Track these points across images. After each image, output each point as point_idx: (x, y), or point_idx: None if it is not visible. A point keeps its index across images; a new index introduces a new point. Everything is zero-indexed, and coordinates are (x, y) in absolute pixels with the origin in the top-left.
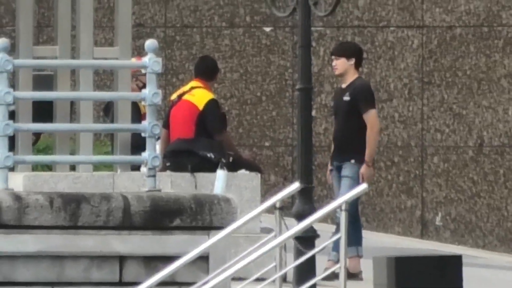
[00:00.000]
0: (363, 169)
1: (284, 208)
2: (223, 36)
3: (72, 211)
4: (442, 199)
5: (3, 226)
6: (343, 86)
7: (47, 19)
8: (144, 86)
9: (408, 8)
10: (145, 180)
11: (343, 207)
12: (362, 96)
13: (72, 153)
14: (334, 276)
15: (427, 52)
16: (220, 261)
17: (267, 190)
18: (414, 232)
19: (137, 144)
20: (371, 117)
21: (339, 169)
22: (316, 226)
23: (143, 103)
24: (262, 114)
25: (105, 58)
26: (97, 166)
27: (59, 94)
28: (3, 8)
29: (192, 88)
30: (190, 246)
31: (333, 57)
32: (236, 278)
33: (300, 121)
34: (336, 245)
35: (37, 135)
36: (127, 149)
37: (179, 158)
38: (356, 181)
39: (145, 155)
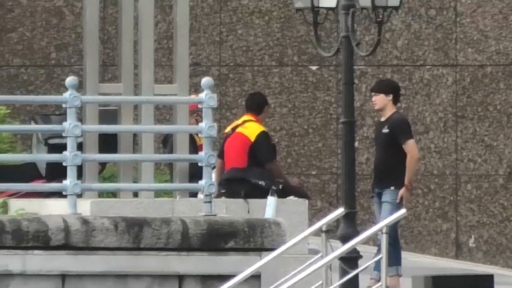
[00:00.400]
0: (403, 191)
1: (329, 231)
2: (272, 74)
3: (135, 234)
4: (475, 223)
5: (72, 247)
6: (382, 119)
7: (111, 58)
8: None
9: (443, 48)
10: (202, 205)
11: (384, 230)
12: (400, 129)
13: (135, 181)
14: None
15: (461, 88)
16: (271, 279)
17: (314, 214)
18: (449, 253)
19: (195, 172)
20: (410, 147)
21: (379, 195)
22: (359, 248)
23: (199, 135)
24: (309, 145)
25: (165, 94)
26: (158, 193)
27: (123, 127)
28: (72, 48)
29: (245, 121)
30: (243, 266)
31: (372, 93)
32: None
33: (344, 151)
34: (377, 265)
35: (103, 164)
36: (186, 177)
37: (233, 185)
38: (395, 206)
39: (202, 183)
